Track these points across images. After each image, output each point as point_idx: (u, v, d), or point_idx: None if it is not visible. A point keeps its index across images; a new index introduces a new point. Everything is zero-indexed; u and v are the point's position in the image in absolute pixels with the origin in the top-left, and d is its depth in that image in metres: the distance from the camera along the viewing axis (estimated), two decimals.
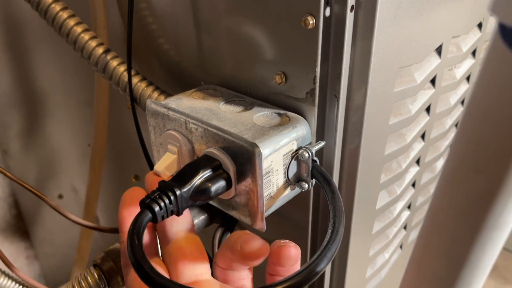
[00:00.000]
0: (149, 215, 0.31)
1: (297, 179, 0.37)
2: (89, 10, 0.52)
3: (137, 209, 0.32)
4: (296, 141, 0.36)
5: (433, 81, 0.47)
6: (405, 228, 0.57)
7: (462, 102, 0.56)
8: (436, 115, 0.50)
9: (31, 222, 1.19)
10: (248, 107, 0.39)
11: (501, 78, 0.17)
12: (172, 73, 0.50)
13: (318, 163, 0.37)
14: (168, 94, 0.47)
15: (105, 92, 0.56)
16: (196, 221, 0.44)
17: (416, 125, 0.48)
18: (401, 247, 0.59)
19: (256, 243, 0.31)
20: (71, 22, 0.48)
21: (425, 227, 0.22)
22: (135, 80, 0.48)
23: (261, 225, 0.35)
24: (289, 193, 0.38)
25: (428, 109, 0.49)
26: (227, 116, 0.38)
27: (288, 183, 0.37)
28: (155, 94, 0.47)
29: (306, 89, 0.37)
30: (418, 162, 0.52)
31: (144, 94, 0.47)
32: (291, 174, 0.37)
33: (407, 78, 0.42)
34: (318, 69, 0.35)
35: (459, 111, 0.56)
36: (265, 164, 0.33)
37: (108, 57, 0.48)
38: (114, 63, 0.48)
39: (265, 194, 0.35)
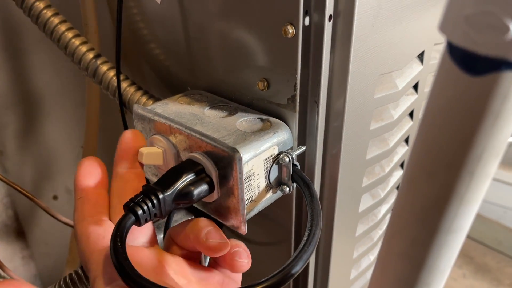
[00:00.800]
0: (133, 218, 0.32)
1: (279, 183, 0.38)
2: (80, 16, 0.53)
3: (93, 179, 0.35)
4: (277, 146, 0.37)
5: (415, 87, 0.49)
6: None
7: None
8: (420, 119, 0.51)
9: (27, 222, 1.20)
10: (232, 112, 0.40)
11: (448, 92, 0.18)
12: (162, 77, 0.51)
13: (299, 167, 0.38)
14: (157, 98, 0.49)
15: (96, 95, 0.57)
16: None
17: (399, 130, 0.49)
18: None
19: (220, 239, 0.33)
20: (62, 27, 0.49)
21: (388, 230, 0.23)
22: (124, 85, 0.49)
23: (243, 227, 0.36)
24: (270, 196, 0.39)
25: (411, 114, 0.50)
26: (211, 121, 0.39)
27: (269, 186, 0.38)
28: (144, 99, 0.48)
29: (287, 95, 0.38)
30: (402, 166, 0.53)
31: (133, 98, 0.48)
32: (272, 178, 0.38)
33: (388, 85, 0.44)
34: (298, 77, 0.36)
35: None
36: (246, 169, 0.35)
37: (98, 62, 0.49)
38: (104, 68, 0.49)
39: (246, 197, 0.36)
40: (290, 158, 0.37)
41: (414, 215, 0.22)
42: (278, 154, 0.37)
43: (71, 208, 0.88)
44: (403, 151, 0.51)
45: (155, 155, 0.38)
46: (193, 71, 0.46)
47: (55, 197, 0.95)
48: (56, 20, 0.49)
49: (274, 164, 0.37)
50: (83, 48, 0.50)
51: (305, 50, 0.36)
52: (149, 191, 0.33)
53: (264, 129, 0.37)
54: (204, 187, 0.35)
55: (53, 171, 0.94)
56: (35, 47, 0.77)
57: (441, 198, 0.20)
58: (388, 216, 0.56)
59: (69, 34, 0.50)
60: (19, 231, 1.24)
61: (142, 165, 0.38)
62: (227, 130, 0.37)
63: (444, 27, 0.18)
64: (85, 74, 0.50)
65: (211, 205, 0.38)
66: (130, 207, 0.32)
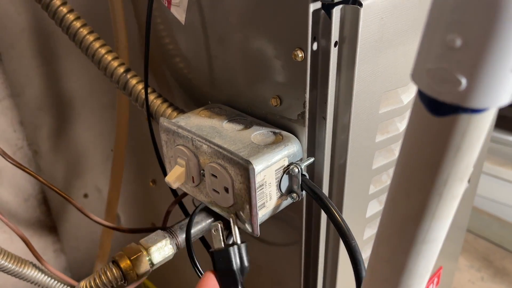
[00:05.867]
0: None
1: (289, 191, 0.42)
2: (112, 33, 0.58)
3: None
4: (287, 158, 0.41)
5: None
6: None
7: None
8: None
9: (59, 217, 1.26)
10: (247, 126, 0.44)
11: (419, 128, 0.22)
12: (186, 90, 0.55)
13: (308, 176, 0.42)
14: (180, 110, 0.53)
15: (126, 105, 0.62)
16: (203, 224, 0.50)
17: None
18: None
19: None
20: (96, 44, 0.54)
21: (376, 239, 0.27)
22: (151, 97, 0.53)
23: (256, 230, 0.41)
24: (282, 203, 0.43)
25: None
26: (228, 134, 0.43)
27: (280, 194, 0.42)
28: (169, 111, 0.52)
29: (297, 111, 0.42)
30: None
31: (159, 110, 0.53)
32: (283, 187, 0.42)
33: (394, 100, 0.47)
34: (307, 95, 0.40)
35: None
36: (258, 178, 0.39)
37: (128, 76, 0.54)
38: (133, 81, 0.54)
39: (258, 204, 0.40)
40: (299, 169, 0.41)
41: (396, 228, 0.25)
42: (288, 165, 0.41)
43: (100, 206, 0.93)
44: None
45: (180, 176, 0.43)
46: (214, 85, 0.50)
47: (85, 195, 1.01)
48: (91, 37, 0.54)
49: (284, 174, 0.41)
50: (115, 63, 0.54)
51: (313, 72, 0.40)
52: None
53: (276, 142, 0.41)
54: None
55: (84, 171, 0.99)
56: (66, 53, 0.82)
57: (416, 214, 0.24)
58: None
59: (102, 51, 0.54)
60: (51, 226, 1.31)
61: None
62: (242, 143, 0.41)
63: (414, 76, 0.21)
64: (116, 87, 0.55)
65: (228, 210, 0.42)
66: None
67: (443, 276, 0.84)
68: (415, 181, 0.23)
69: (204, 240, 0.53)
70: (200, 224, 0.49)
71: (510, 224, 1.51)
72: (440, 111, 0.21)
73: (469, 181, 0.76)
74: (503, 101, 0.20)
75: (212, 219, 0.50)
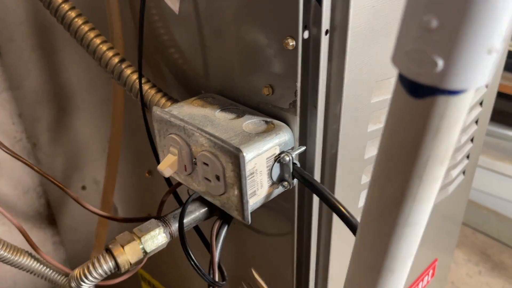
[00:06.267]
0: None
1: (280, 179, 0.43)
2: (107, 24, 0.58)
3: None
4: (278, 146, 0.41)
5: None
6: None
7: None
8: None
9: (58, 210, 1.27)
10: (240, 114, 0.45)
11: (399, 110, 0.22)
12: (180, 80, 0.56)
13: (299, 165, 0.42)
14: (175, 100, 0.53)
15: (121, 96, 0.63)
16: (197, 213, 0.50)
17: None
18: None
19: None
20: (91, 34, 0.55)
21: (360, 223, 0.28)
22: (145, 87, 0.54)
23: (247, 218, 0.41)
24: (273, 191, 0.43)
25: None
26: (220, 123, 0.43)
27: (272, 182, 0.42)
28: (163, 100, 0.53)
29: (289, 100, 0.42)
30: None
31: (153, 100, 0.53)
32: (274, 175, 0.42)
33: (386, 90, 0.47)
34: (298, 84, 0.40)
35: None
36: (249, 166, 0.39)
37: (123, 66, 0.54)
38: (128, 71, 0.54)
39: (249, 191, 0.40)
40: (291, 157, 0.41)
41: (378, 211, 0.26)
42: (280, 154, 0.42)
43: (98, 198, 0.94)
44: None
45: (172, 165, 0.43)
46: (208, 75, 0.51)
47: (83, 187, 1.01)
48: (86, 27, 0.54)
49: (276, 163, 0.42)
50: (110, 53, 0.55)
51: (304, 60, 0.40)
52: None
53: (268, 131, 0.42)
54: None
55: (82, 163, 1.00)
56: (65, 46, 0.82)
57: (397, 197, 0.24)
58: None
59: (97, 41, 0.55)
60: (51, 218, 1.32)
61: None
62: (234, 131, 0.41)
63: (394, 59, 0.22)
64: (111, 77, 0.56)
65: (219, 198, 0.43)
66: None
67: (438, 269, 0.84)
68: (396, 164, 0.23)
69: (198, 229, 0.54)
70: (194, 214, 0.50)
71: (508, 219, 1.52)
72: (418, 93, 0.21)
73: (464, 172, 0.76)
74: (480, 83, 0.20)
75: (206, 208, 0.50)
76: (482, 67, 0.20)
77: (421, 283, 0.79)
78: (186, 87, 0.55)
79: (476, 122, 0.70)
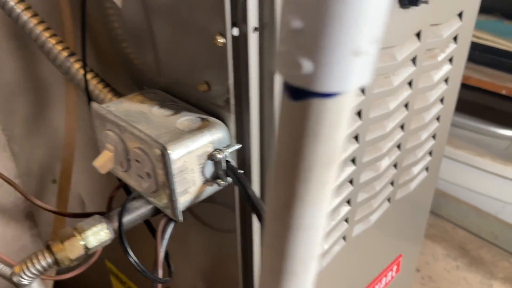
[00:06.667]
0: None
1: (215, 177, 0.42)
2: (58, 19, 0.57)
3: None
4: (211, 144, 0.41)
5: (362, 90, 0.51)
6: (346, 221, 0.62)
7: (406, 106, 0.60)
8: (370, 119, 0.54)
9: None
10: (177, 111, 0.44)
11: (282, 115, 0.22)
12: (131, 75, 0.55)
13: (232, 163, 0.42)
14: (122, 95, 0.53)
15: (74, 90, 0.62)
16: (143, 210, 0.49)
17: (350, 129, 0.52)
18: (344, 239, 0.63)
19: None
20: (40, 27, 0.54)
21: (264, 225, 0.27)
22: (93, 82, 0.53)
23: (177, 216, 0.40)
24: (208, 189, 0.43)
25: (359, 114, 0.53)
26: (155, 119, 0.43)
27: (205, 180, 0.42)
28: (109, 96, 0.52)
29: (223, 97, 0.41)
30: (354, 161, 0.56)
31: (102, 95, 0.52)
32: (208, 173, 0.42)
33: None
34: (230, 81, 0.40)
35: (397, 114, 0.59)
36: (178, 164, 0.38)
37: (71, 60, 0.54)
38: (77, 65, 0.54)
39: (180, 189, 0.40)
40: (223, 155, 0.41)
41: (273, 214, 0.25)
42: (213, 151, 0.41)
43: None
44: (353, 148, 0.54)
45: (108, 161, 0.43)
46: (156, 71, 0.50)
47: (54, 181, 1.01)
48: (34, 20, 0.54)
49: (208, 160, 0.41)
50: (58, 47, 0.54)
51: (236, 57, 0.39)
52: None
53: (201, 128, 0.41)
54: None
55: (55, 157, 0.99)
56: None
57: (287, 200, 0.24)
58: (342, 209, 0.59)
59: (46, 34, 0.54)
60: (28, 211, 1.31)
61: None
62: (166, 128, 0.41)
63: (275, 60, 0.21)
64: (60, 71, 0.55)
65: (153, 196, 0.42)
66: None
67: (404, 263, 0.84)
68: (284, 167, 0.23)
69: (149, 224, 0.53)
70: (139, 210, 0.49)
71: (487, 214, 1.52)
72: (294, 95, 0.20)
73: (427, 169, 0.76)
74: (353, 85, 0.20)
75: (152, 206, 0.50)
76: (351, 69, 0.19)
77: (384, 279, 0.79)
78: (137, 83, 0.55)
79: (438, 119, 0.70)
